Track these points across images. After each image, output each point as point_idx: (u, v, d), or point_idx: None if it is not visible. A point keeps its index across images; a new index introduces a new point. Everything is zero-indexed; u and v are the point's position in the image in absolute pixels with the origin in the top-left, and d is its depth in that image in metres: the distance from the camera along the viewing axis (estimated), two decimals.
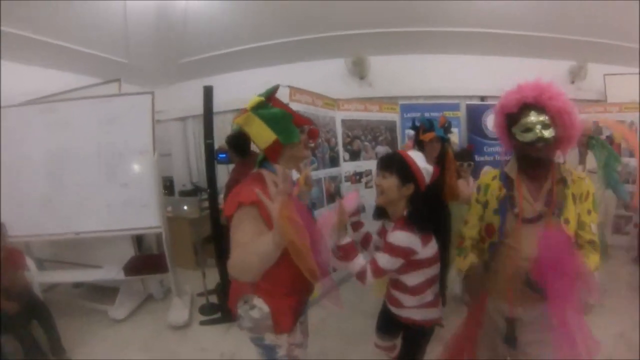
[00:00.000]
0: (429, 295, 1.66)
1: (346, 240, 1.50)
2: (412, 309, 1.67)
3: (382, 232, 1.72)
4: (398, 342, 1.98)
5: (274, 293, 1.34)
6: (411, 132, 4.67)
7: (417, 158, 1.59)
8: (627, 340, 2.61)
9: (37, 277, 3.09)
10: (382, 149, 4.74)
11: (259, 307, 1.33)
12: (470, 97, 5.09)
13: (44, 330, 2.72)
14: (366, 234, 1.80)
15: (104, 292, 3.57)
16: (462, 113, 4.97)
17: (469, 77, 5.06)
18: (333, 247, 1.46)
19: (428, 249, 1.57)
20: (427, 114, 4.77)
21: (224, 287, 3.55)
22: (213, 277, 3.56)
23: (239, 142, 2.96)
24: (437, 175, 1.66)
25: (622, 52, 4.85)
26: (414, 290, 1.61)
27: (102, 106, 3.34)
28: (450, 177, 2.68)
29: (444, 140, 2.70)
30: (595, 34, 4.62)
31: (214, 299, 3.51)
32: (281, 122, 1.29)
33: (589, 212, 1.42)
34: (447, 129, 2.77)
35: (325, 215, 1.53)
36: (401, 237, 1.50)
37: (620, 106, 4.70)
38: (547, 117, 1.32)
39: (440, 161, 2.58)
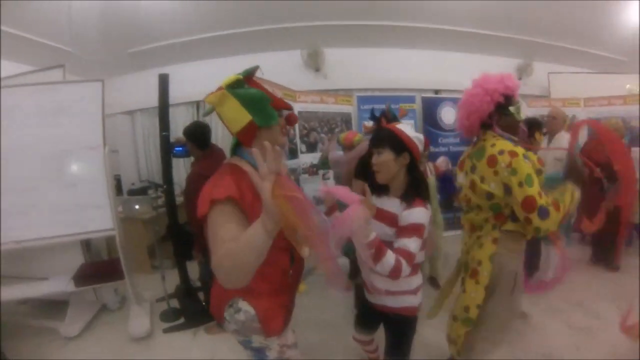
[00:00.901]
0: (415, 280, 1.63)
1: (373, 235, 1.35)
2: (395, 296, 1.63)
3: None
4: (377, 337, 2.01)
5: (260, 293, 1.25)
6: (368, 123, 4.81)
7: (406, 128, 1.57)
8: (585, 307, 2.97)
9: None
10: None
11: (244, 310, 1.25)
12: (425, 90, 5.23)
13: None
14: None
15: (53, 307, 3.15)
16: (417, 105, 5.09)
17: (423, 71, 5.27)
18: (361, 246, 1.30)
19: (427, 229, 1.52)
20: (383, 106, 4.83)
21: (185, 289, 3.35)
22: (172, 280, 3.36)
23: (199, 133, 2.75)
24: (427, 144, 1.65)
25: (564, 52, 5.29)
26: (394, 272, 1.41)
27: (45, 96, 2.92)
28: None
29: None
30: (541, 34, 4.96)
31: (175, 303, 3.28)
32: (259, 103, 1.20)
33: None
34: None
35: (350, 210, 1.29)
36: (423, 214, 1.46)
37: (564, 101, 5.11)
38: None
39: None
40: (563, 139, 2.93)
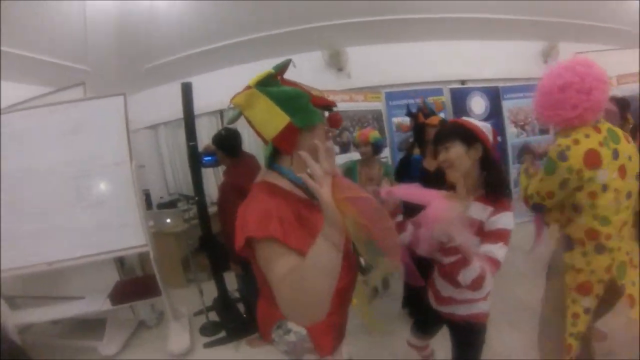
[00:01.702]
0: (488, 286, 1.43)
1: (467, 234, 1.19)
2: (464, 304, 1.49)
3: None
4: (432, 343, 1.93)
5: None
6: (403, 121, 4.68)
7: (474, 121, 1.43)
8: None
9: (10, 319, 2.64)
10: None
11: (294, 331, 1.12)
12: (451, 82, 5.07)
13: None
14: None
15: (89, 326, 3.10)
16: (445, 98, 4.92)
17: (447, 62, 5.10)
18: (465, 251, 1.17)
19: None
20: (412, 101, 4.70)
21: (224, 301, 3.26)
22: (209, 293, 3.28)
23: (228, 139, 2.65)
24: (496, 135, 1.49)
25: (591, 31, 5.01)
26: (477, 282, 1.25)
27: (65, 114, 2.89)
28: None
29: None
30: (562, 14, 4.71)
31: (214, 316, 3.19)
32: (297, 100, 1.00)
33: None
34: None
35: (440, 204, 1.18)
36: (511, 219, 1.30)
37: None
38: None
39: None
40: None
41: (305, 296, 0.79)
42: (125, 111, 2.96)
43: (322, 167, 0.79)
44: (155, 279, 2.90)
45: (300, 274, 0.80)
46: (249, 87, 1.00)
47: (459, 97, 4.86)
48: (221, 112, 5.00)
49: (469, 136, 1.37)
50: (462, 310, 1.51)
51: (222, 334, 3.01)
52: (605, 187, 1.45)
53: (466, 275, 1.21)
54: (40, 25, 3.33)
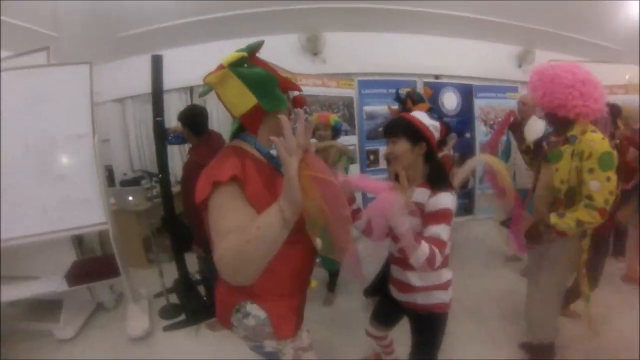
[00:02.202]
0: (446, 273, 1.56)
1: (407, 225, 1.25)
2: (424, 292, 1.55)
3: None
4: (392, 333, 1.97)
5: (271, 295, 1.12)
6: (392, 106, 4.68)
7: (421, 116, 1.51)
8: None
9: None
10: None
11: (253, 315, 1.12)
12: (425, 75, 5.11)
13: None
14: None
15: (45, 308, 2.95)
16: (420, 91, 4.95)
17: (423, 56, 5.13)
18: (401, 234, 1.22)
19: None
20: (385, 91, 4.74)
21: (185, 283, 3.20)
22: (169, 274, 3.21)
23: (195, 117, 2.57)
24: (444, 132, 1.66)
25: (564, 40, 5.18)
26: (429, 262, 1.32)
27: (27, 81, 2.69)
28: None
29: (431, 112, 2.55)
30: (541, 22, 4.84)
31: (174, 298, 3.13)
32: (265, 84, 1.06)
33: (590, 170, 1.62)
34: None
35: (385, 197, 1.27)
36: (450, 199, 1.38)
37: None
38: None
39: None
40: (535, 123, 2.94)
41: (240, 259, 0.81)
42: (90, 81, 2.80)
43: (298, 139, 0.79)
44: (114, 258, 2.81)
45: (245, 234, 0.81)
46: (222, 67, 1.05)
47: (432, 91, 4.91)
48: (191, 89, 4.85)
49: (416, 134, 1.45)
50: (421, 299, 1.56)
51: (182, 316, 2.95)
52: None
53: (417, 258, 1.26)
54: None
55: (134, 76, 4.34)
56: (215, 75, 1.05)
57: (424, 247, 1.26)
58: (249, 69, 1.06)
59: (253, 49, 1.10)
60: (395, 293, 1.68)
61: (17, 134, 2.65)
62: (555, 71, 1.70)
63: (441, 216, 1.36)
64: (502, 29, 4.90)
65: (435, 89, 4.93)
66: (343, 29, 4.86)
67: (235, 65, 1.05)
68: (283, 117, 0.82)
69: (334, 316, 2.85)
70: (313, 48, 4.83)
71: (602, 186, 1.61)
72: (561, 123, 1.76)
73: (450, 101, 4.95)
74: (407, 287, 1.58)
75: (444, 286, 1.55)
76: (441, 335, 1.63)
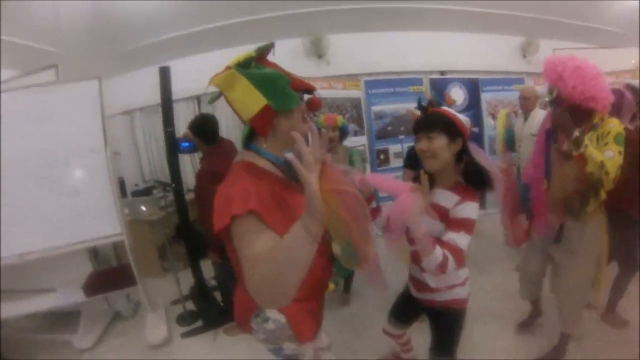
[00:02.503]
0: (462, 273, 1.54)
1: (423, 228, 1.25)
2: (442, 291, 1.53)
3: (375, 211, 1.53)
4: (409, 331, 1.97)
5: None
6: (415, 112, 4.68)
7: (456, 113, 1.44)
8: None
9: None
10: (349, 127, 4.61)
11: (273, 319, 1.14)
12: (431, 72, 5.09)
13: None
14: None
15: (63, 319, 2.99)
16: (425, 87, 4.95)
17: (428, 52, 5.11)
18: (420, 239, 1.23)
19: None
20: (392, 90, 4.74)
21: (201, 290, 3.22)
22: (185, 281, 3.23)
23: (206, 126, 2.58)
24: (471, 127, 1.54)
25: (567, 28, 5.11)
26: (440, 269, 1.33)
27: (37, 98, 2.73)
28: None
29: None
30: (543, 11, 4.78)
31: (191, 305, 3.16)
32: (275, 83, 1.01)
33: (605, 144, 1.72)
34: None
35: (405, 199, 1.26)
36: (474, 209, 1.35)
37: None
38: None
39: None
40: (538, 115, 2.95)
41: (275, 280, 0.78)
42: (100, 96, 2.83)
43: (314, 153, 0.78)
44: (130, 268, 2.83)
45: (274, 257, 0.79)
46: (228, 68, 1.01)
47: (439, 87, 4.88)
48: (198, 98, 4.90)
49: (453, 129, 1.37)
50: (440, 297, 1.55)
51: (199, 323, 2.97)
52: None
53: (429, 262, 1.27)
54: (9, 4, 3.14)
55: (141, 88, 4.40)
56: (221, 77, 1.01)
57: (437, 252, 1.26)
58: (258, 69, 1.02)
59: (263, 51, 1.06)
60: (413, 291, 1.68)
61: (31, 150, 2.70)
62: (576, 63, 1.70)
63: (463, 224, 1.33)
64: (503, 20, 4.86)
65: (442, 85, 4.94)
66: (346, 31, 4.86)
67: (243, 66, 1.01)
68: (296, 134, 0.79)
69: (350, 317, 2.85)
70: (317, 51, 4.84)
71: (615, 157, 1.67)
72: (585, 114, 1.76)
73: (457, 96, 4.93)
74: (424, 287, 1.58)
75: (462, 284, 1.55)
76: (460, 331, 1.62)
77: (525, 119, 3.12)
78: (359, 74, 4.99)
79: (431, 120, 1.41)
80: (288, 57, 4.69)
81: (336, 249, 1.21)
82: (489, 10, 4.68)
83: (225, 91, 1.03)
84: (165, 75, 2.99)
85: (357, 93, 4.84)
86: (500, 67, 5.20)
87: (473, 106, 5.01)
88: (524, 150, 3.04)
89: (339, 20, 4.63)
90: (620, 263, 2.32)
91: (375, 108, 4.81)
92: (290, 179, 1.09)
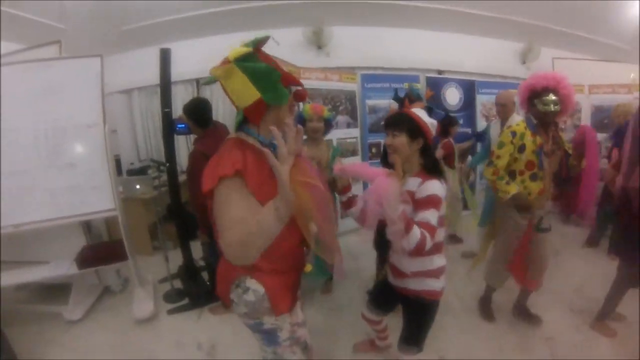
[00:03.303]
0: (438, 260, 1.62)
1: (401, 209, 1.32)
2: (416, 279, 1.63)
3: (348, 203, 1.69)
4: (387, 319, 2.10)
5: (269, 271, 1.20)
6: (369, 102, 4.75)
7: (422, 114, 1.61)
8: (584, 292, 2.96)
9: None
10: (343, 119, 4.68)
11: (253, 289, 1.20)
12: (429, 70, 5.14)
13: None
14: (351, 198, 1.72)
15: (55, 291, 3.09)
16: (421, 85, 5.00)
17: (427, 51, 5.15)
18: (396, 219, 1.29)
19: (443, 206, 1.54)
20: (387, 85, 4.79)
21: (189, 269, 3.30)
22: (174, 260, 3.31)
23: (199, 110, 2.63)
24: (439, 129, 1.82)
25: (568, 38, 5.20)
26: (420, 246, 1.38)
27: (40, 73, 2.77)
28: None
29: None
30: (545, 19, 4.84)
31: (178, 284, 3.26)
32: (268, 78, 1.10)
33: None
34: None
35: (382, 181, 1.35)
36: (438, 186, 1.49)
37: None
38: (557, 98, 2.13)
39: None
40: (514, 120, 2.97)
41: (245, 244, 0.98)
42: (101, 73, 2.88)
43: (289, 147, 0.91)
44: (122, 244, 2.90)
45: (248, 226, 0.97)
46: (228, 61, 1.09)
47: (435, 86, 4.94)
48: (197, 81, 4.93)
49: (415, 130, 1.56)
50: (413, 285, 1.65)
51: (186, 301, 3.06)
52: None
53: (409, 242, 1.34)
54: None
55: (140, 68, 4.44)
56: (221, 69, 1.09)
57: (416, 231, 1.35)
58: (253, 63, 1.09)
59: (259, 43, 1.14)
60: (391, 278, 1.77)
61: (29, 123, 2.75)
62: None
63: (430, 202, 1.46)
64: (506, 25, 4.92)
65: (438, 84, 5.00)
66: (347, 23, 4.89)
67: (242, 60, 1.09)
68: (274, 129, 0.92)
69: (332, 304, 2.94)
70: (318, 41, 4.87)
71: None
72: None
73: (452, 96, 5.00)
74: (399, 273, 1.68)
75: (436, 273, 1.62)
76: (430, 322, 1.71)
77: (502, 124, 3.13)
78: (357, 67, 5.02)
79: (397, 120, 1.61)
80: (288, 46, 4.74)
81: (312, 227, 1.31)
82: (492, 15, 4.73)
83: (223, 81, 1.12)
84: (165, 56, 3.03)
85: (353, 86, 4.86)
86: (498, 71, 5.28)
87: (468, 107, 5.09)
88: None
89: (341, 13, 4.66)
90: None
91: (370, 102, 4.85)
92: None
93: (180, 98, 4.67)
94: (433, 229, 1.42)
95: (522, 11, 4.68)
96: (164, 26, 4.45)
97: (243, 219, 0.98)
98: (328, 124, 2.81)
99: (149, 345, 2.54)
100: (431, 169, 1.56)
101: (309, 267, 1.41)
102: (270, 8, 4.40)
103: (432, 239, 1.40)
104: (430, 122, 1.60)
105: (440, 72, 5.20)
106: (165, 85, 3.03)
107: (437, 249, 1.58)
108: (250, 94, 1.10)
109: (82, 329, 2.77)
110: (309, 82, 4.41)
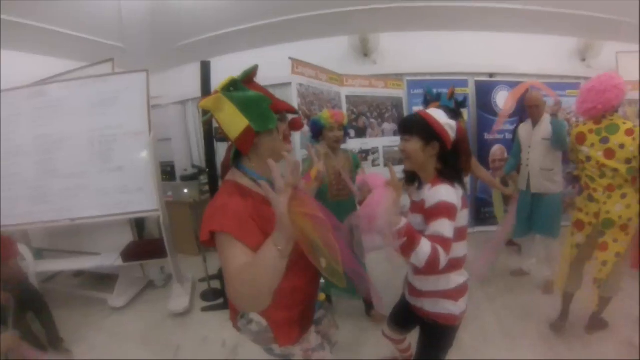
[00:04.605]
0: (456, 278, 1.43)
1: (403, 222, 1.20)
2: (430, 299, 1.46)
3: None
4: (410, 337, 1.86)
5: (273, 306, 1.09)
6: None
7: (438, 114, 1.40)
8: None
9: (33, 267, 3.01)
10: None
11: (256, 322, 1.19)
12: (479, 74, 4.89)
13: (40, 322, 2.59)
14: None
15: (105, 280, 3.46)
16: (470, 90, 4.78)
17: (477, 53, 4.88)
18: (392, 235, 1.17)
19: (463, 216, 1.39)
20: (435, 91, 4.63)
21: None
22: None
23: None
24: (462, 131, 1.49)
25: (630, 29, 4.60)
26: (432, 262, 1.22)
27: (94, 87, 3.20)
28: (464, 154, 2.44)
29: (453, 112, 2.45)
30: (606, 9, 4.38)
31: (216, 284, 3.40)
32: (256, 105, 1.08)
33: None
34: (461, 103, 2.67)
35: (373, 196, 1.24)
36: (447, 191, 1.31)
37: (634, 84, 4.43)
38: None
39: None
40: (546, 120, 2.85)
41: (250, 291, 0.90)
42: (147, 86, 3.18)
43: (287, 179, 0.87)
44: (163, 242, 3.13)
45: (249, 272, 0.90)
46: (216, 92, 1.09)
47: (485, 90, 4.71)
48: None
49: (429, 133, 1.36)
50: (428, 306, 1.48)
51: (221, 300, 3.21)
52: (588, 159, 2.23)
53: (418, 258, 1.20)
54: (79, 6, 3.67)
55: (193, 81, 4.73)
56: (209, 100, 1.08)
57: (424, 246, 1.20)
58: (241, 92, 1.08)
59: (248, 74, 1.13)
60: (407, 295, 1.63)
61: (85, 131, 3.17)
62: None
63: (439, 211, 1.28)
64: (560, 20, 4.52)
65: (488, 87, 4.75)
66: (394, 29, 4.83)
67: (229, 89, 1.08)
68: (271, 162, 0.89)
69: (356, 320, 2.80)
70: (364, 49, 4.87)
71: None
72: None
73: (504, 100, 4.70)
74: (414, 291, 1.53)
75: (453, 294, 1.43)
76: (445, 348, 1.54)
77: (534, 125, 2.99)
78: (405, 73, 4.93)
79: (408, 122, 1.44)
80: (334, 55, 4.80)
81: (322, 262, 1.28)
82: (545, 9, 4.39)
83: (215, 113, 1.10)
84: (205, 68, 3.23)
85: (399, 92, 4.81)
86: (554, 71, 4.87)
87: (521, 111, 4.76)
88: (533, 157, 2.92)
89: (387, 19, 4.62)
90: None
91: (417, 109, 4.72)
92: None
93: None
94: (447, 242, 1.23)
95: (579, 3, 4.28)
96: (215, 41, 4.73)
97: (240, 268, 0.93)
98: (347, 132, 2.73)
99: (177, 338, 2.71)
100: (447, 175, 1.38)
101: (322, 296, 1.38)
102: (315, 18, 4.47)
103: (447, 254, 1.22)
104: (448, 124, 1.38)
105: (491, 75, 4.93)
106: (206, 94, 3.23)
107: (454, 265, 1.39)
108: (239, 122, 1.07)
109: (122, 316, 3.07)
110: (353, 90, 4.44)
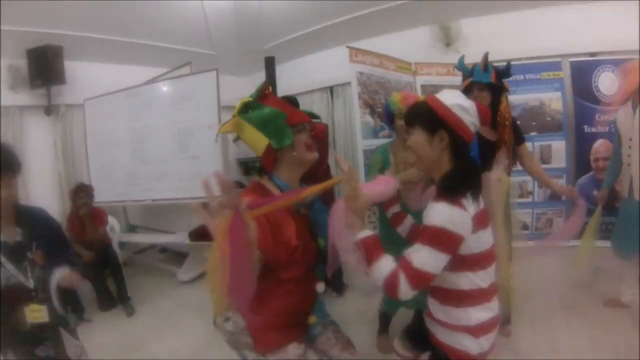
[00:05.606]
0: (477, 314, 1.14)
1: (363, 234, 1.06)
2: (445, 328, 1.19)
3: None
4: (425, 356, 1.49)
5: (254, 309, 1.11)
6: None
7: (449, 96, 1.13)
8: None
9: (117, 237, 3.58)
10: None
11: (233, 320, 1.21)
12: (577, 55, 4.20)
13: (113, 279, 3.17)
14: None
15: (182, 257, 3.91)
16: (565, 73, 4.17)
17: (573, 30, 4.15)
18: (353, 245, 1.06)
19: (484, 238, 1.11)
20: (522, 77, 4.20)
21: None
22: None
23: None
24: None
25: None
26: (388, 285, 1.03)
27: (175, 87, 3.71)
28: (504, 138, 2.04)
29: (492, 87, 2.06)
30: None
31: None
32: (272, 123, 1.11)
33: None
34: (504, 71, 2.22)
35: (339, 203, 1.11)
36: (447, 214, 1.02)
37: None
38: None
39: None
40: None
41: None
42: (217, 83, 3.50)
43: (221, 200, 0.81)
44: None
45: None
46: (234, 116, 1.17)
47: (582, 72, 4.06)
48: (331, 89, 5.15)
49: (433, 120, 1.10)
50: (441, 335, 1.21)
51: None
52: None
53: (374, 275, 1.05)
54: (172, 24, 4.37)
55: (280, 81, 4.96)
56: (229, 125, 1.16)
57: (384, 265, 1.03)
58: (257, 111, 1.13)
59: (260, 92, 1.19)
60: (425, 312, 1.35)
61: (167, 124, 3.68)
62: None
63: (424, 236, 1.04)
64: None
65: (587, 69, 4.08)
66: (476, 15, 4.51)
67: (245, 111, 1.14)
68: (220, 178, 0.81)
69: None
70: (446, 39, 4.63)
71: None
72: None
73: (608, 83, 3.99)
74: (429, 312, 1.28)
75: (473, 330, 1.14)
76: None
77: (634, 109, 2.31)
78: (493, 61, 4.49)
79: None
80: (415, 46, 4.67)
81: (320, 286, 1.27)
82: None
83: (240, 134, 1.18)
84: (270, 64, 3.46)
85: None
86: None
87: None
88: (636, 152, 2.26)
89: (466, 4, 4.35)
90: None
91: None
92: (296, 207, 1.20)
93: (316, 103, 5.11)
94: (416, 273, 1.00)
95: None
96: (298, 41, 4.94)
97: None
98: None
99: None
100: (456, 180, 1.09)
101: (312, 319, 1.33)
102: (396, 9, 4.42)
103: (413, 287, 1.00)
104: (459, 104, 1.09)
105: (592, 54, 4.22)
106: (272, 89, 3.45)
107: (475, 298, 1.13)
108: (261, 141, 1.12)
109: (186, 289, 3.50)
110: (430, 78, 4.29)
